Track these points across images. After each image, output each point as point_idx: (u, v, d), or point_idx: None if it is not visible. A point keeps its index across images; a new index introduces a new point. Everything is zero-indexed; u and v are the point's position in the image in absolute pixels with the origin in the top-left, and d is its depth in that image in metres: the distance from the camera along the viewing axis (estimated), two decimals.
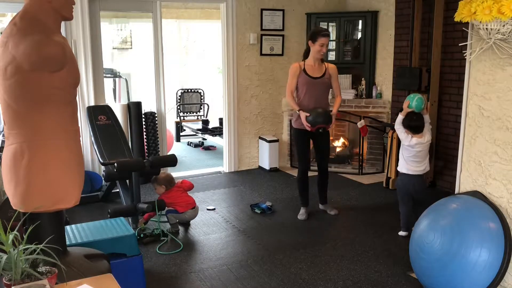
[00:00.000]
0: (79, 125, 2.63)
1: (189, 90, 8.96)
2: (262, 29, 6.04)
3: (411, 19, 5.27)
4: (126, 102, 6.30)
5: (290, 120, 4.55)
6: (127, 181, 4.43)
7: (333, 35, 6.36)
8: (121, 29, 9.01)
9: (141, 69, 8.64)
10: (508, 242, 2.71)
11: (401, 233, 4.01)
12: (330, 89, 4.45)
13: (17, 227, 1.83)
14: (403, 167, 3.87)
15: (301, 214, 4.48)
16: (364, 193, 5.19)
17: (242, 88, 6.08)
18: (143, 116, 5.54)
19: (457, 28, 4.72)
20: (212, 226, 4.26)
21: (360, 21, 6.14)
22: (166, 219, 4.17)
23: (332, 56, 6.37)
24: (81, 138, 3.56)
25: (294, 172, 5.21)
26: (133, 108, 5.38)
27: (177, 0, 6.81)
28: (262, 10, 6.00)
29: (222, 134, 6.61)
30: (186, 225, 4.27)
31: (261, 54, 6.10)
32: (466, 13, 2.73)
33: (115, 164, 3.93)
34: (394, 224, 4.24)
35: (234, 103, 6.04)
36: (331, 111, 4.31)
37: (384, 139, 5.65)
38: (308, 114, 4.15)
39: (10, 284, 1.54)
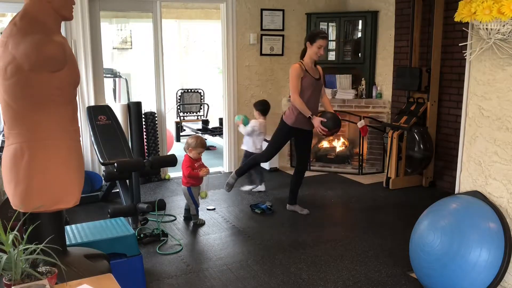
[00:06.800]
0: (79, 125, 2.63)
1: (189, 90, 8.96)
2: (262, 29, 6.04)
3: (411, 19, 5.27)
4: (126, 102, 6.30)
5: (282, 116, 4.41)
6: (127, 181, 4.43)
7: (333, 35, 6.37)
8: (121, 29, 9.02)
9: (141, 69, 8.64)
10: (508, 242, 2.71)
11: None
12: None
13: (17, 227, 1.83)
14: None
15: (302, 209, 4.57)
16: (364, 193, 5.19)
17: (242, 88, 6.07)
18: (143, 116, 5.55)
19: (457, 28, 4.72)
20: (212, 226, 4.26)
21: (360, 21, 6.14)
22: (168, 219, 4.15)
23: (332, 56, 6.37)
24: (81, 138, 3.55)
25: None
26: (133, 108, 5.37)
27: (177, 0, 6.81)
28: (262, 10, 6.00)
29: (222, 134, 6.60)
30: (187, 224, 4.27)
31: (261, 54, 6.10)
32: (466, 13, 2.73)
33: (115, 164, 3.93)
34: (394, 224, 4.25)
35: (234, 103, 6.03)
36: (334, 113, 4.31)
37: (384, 139, 5.64)
38: (323, 119, 4.14)
39: (10, 284, 1.54)
